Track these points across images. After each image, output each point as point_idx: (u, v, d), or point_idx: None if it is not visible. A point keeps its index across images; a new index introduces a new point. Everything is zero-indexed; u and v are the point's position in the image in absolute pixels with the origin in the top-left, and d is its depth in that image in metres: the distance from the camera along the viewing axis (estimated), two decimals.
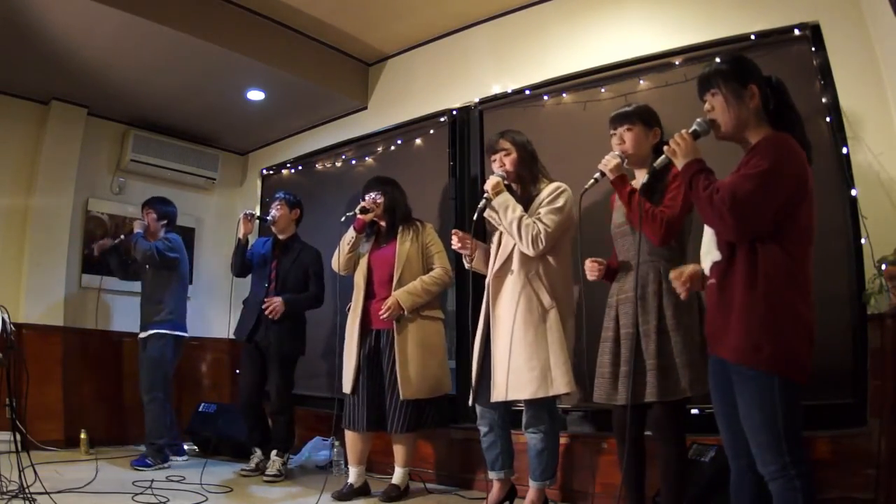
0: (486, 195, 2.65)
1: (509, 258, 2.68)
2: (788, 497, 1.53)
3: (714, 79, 1.77)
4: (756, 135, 1.72)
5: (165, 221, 4.07)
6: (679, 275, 1.91)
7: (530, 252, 2.58)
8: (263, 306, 3.58)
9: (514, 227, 2.58)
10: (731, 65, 1.77)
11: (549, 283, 2.63)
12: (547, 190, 2.69)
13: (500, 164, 2.72)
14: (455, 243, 2.79)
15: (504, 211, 2.60)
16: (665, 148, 1.86)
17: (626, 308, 2.28)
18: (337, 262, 3.30)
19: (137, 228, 3.97)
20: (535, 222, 2.58)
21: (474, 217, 2.64)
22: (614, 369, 2.27)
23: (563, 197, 2.64)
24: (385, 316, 3.05)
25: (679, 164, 1.80)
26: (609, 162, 2.30)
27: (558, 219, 2.59)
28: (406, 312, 3.06)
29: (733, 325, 1.64)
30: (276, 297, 3.59)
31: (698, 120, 1.84)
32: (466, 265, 2.87)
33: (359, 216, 3.19)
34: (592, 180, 2.34)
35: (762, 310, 1.59)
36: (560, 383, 2.51)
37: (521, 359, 2.54)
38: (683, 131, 1.81)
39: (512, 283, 2.64)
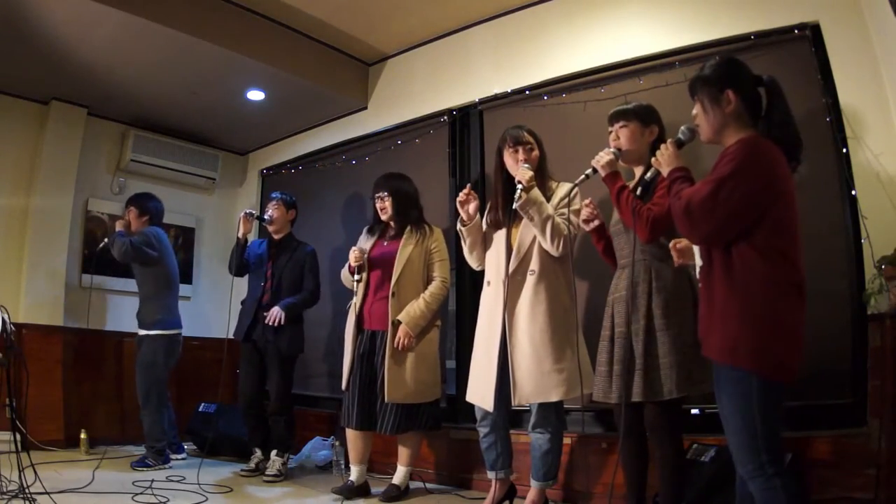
0: (520, 186, 2.58)
1: (527, 257, 2.66)
2: (769, 496, 1.54)
3: (695, 85, 1.83)
4: (735, 139, 1.74)
5: (147, 217, 3.98)
6: (674, 244, 2.01)
7: (556, 252, 2.59)
8: (267, 320, 3.58)
9: (547, 225, 2.56)
10: (712, 70, 1.81)
11: (566, 283, 2.65)
12: (564, 189, 2.69)
13: (524, 158, 2.68)
14: (462, 196, 2.75)
15: (538, 206, 2.57)
16: (652, 160, 1.93)
17: (619, 307, 2.29)
18: (345, 280, 3.35)
19: (119, 227, 3.90)
20: (564, 222, 2.58)
21: (513, 206, 2.59)
22: (609, 368, 2.28)
23: (578, 198, 2.66)
24: (400, 347, 3.05)
25: (664, 172, 1.87)
26: (601, 158, 2.30)
27: (577, 221, 2.61)
28: (414, 336, 3.07)
29: (716, 326, 1.68)
30: (274, 306, 3.58)
31: (682, 128, 1.92)
32: (458, 225, 2.83)
33: (351, 265, 3.20)
34: (584, 176, 2.35)
35: (738, 310, 1.62)
36: (589, 383, 2.51)
37: (549, 361, 2.52)
38: (669, 141, 1.90)
39: (533, 284, 2.61)
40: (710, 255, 1.72)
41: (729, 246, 1.66)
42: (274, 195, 3.90)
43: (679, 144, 1.90)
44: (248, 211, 3.77)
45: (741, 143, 1.69)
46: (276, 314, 3.55)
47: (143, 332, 3.84)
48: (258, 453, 3.70)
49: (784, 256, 1.63)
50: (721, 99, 1.75)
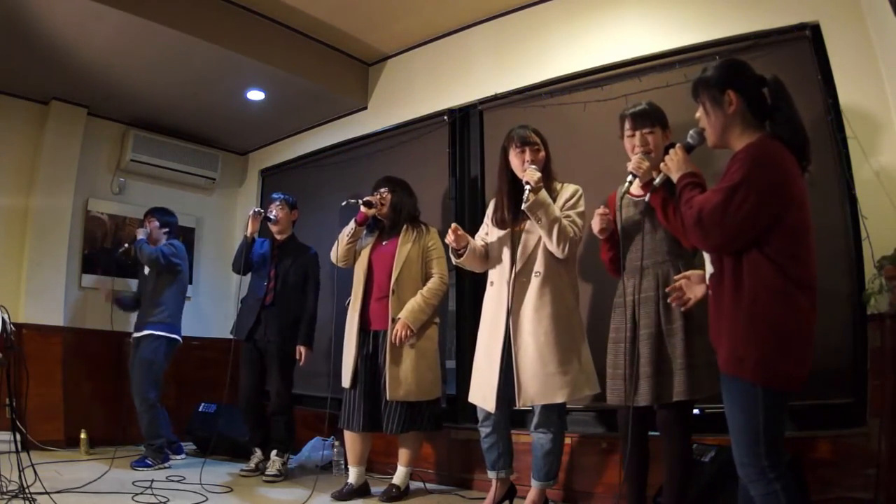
0: (529, 187, 2.54)
1: (531, 259, 2.64)
2: (770, 500, 1.54)
3: (697, 88, 1.80)
4: (742, 141, 1.72)
5: (167, 230, 4.14)
6: (672, 289, 1.98)
7: (561, 254, 2.58)
8: (301, 363, 3.67)
9: (554, 227, 2.54)
10: (713, 72, 1.78)
11: (571, 284, 2.65)
12: (569, 191, 2.69)
13: (531, 159, 2.65)
14: (450, 239, 2.71)
15: (546, 208, 2.55)
16: (661, 165, 1.89)
17: (646, 308, 2.25)
18: (336, 253, 3.30)
19: (140, 235, 4.02)
20: (571, 225, 2.57)
21: (522, 207, 2.55)
22: (630, 370, 2.23)
23: (583, 200, 2.66)
24: (397, 341, 3.05)
25: (674, 178, 1.84)
26: (641, 164, 2.23)
27: (583, 223, 2.61)
28: (414, 331, 3.07)
29: (723, 335, 1.66)
30: (299, 346, 3.65)
31: (691, 132, 1.88)
32: (454, 261, 2.82)
33: (362, 209, 3.21)
34: (627, 183, 2.25)
35: (745, 321, 1.60)
36: (593, 384, 2.55)
37: (554, 362, 2.51)
38: (678, 145, 1.86)
39: (538, 285, 2.60)
40: (721, 262, 1.70)
41: (740, 253, 1.64)
42: (276, 196, 3.92)
43: (688, 149, 1.86)
44: (256, 209, 3.79)
45: (750, 148, 1.66)
46: (305, 356, 3.65)
47: (146, 332, 3.87)
48: (258, 453, 3.70)
49: (796, 260, 1.61)
50: (723, 100, 1.73)
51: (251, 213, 3.77)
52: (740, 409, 1.60)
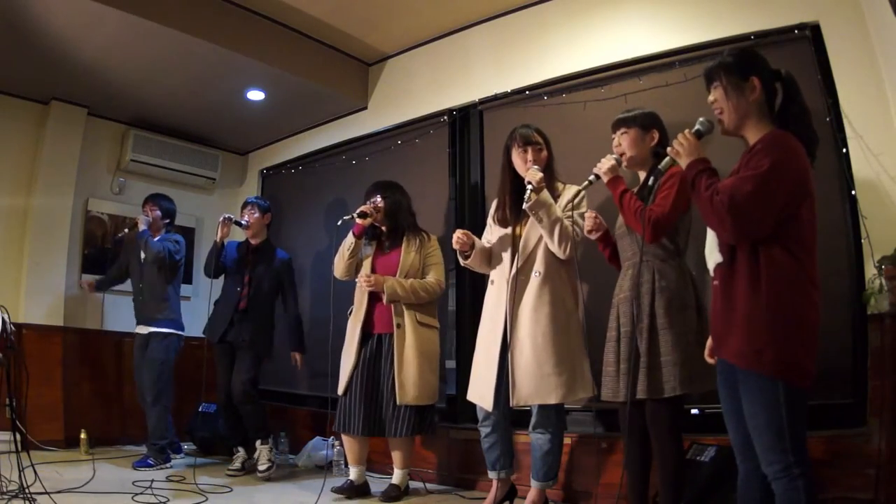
0: (531, 187, 2.55)
1: (531, 258, 2.65)
2: (792, 497, 1.53)
3: (716, 72, 1.77)
4: (757, 131, 1.71)
5: (168, 220, 4.10)
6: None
7: (563, 255, 2.58)
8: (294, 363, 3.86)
9: (555, 228, 2.55)
10: (734, 57, 1.77)
11: (571, 286, 2.64)
12: (571, 192, 2.69)
13: (533, 159, 2.67)
14: (456, 244, 2.74)
15: (547, 208, 2.56)
16: (669, 149, 1.86)
17: (624, 307, 2.31)
18: (338, 268, 3.29)
19: (142, 226, 3.96)
20: (572, 226, 2.58)
21: (523, 207, 2.56)
22: (617, 367, 2.29)
23: (585, 201, 2.67)
24: (364, 283, 3.09)
25: (682, 163, 1.79)
26: (603, 164, 2.34)
27: (583, 224, 2.61)
28: (385, 299, 3.07)
29: (736, 328, 1.63)
30: (294, 353, 3.89)
31: (701, 119, 1.85)
32: (462, 262, 2.84)
33: (357, 221, 3.20)
34: (587, 182, 2.39)
35: (764, 314, 1.58)
36: (588, 386, 2.55)
37: (549, 363, 2.52)
38: (686, 131, 1.82)
39: (538, 285, 2.60)
40: (733, 252, 1.67)
41: (756, 245, 1.61)
42: (249, 200, 3.94)
43: (698, 135, 1.83)
44: (227, 216, 3.79)
45: (772, 137, 1.65)
46: (301, 360, 3.90)
47: (154, 329, 3.87)
48: (241, 452, 3.71)
49: (808, 256, 1.61)
50: (745, 87, 1.71)
51: (221, 219, 3.75)
52: (762, 407, 1.58)
